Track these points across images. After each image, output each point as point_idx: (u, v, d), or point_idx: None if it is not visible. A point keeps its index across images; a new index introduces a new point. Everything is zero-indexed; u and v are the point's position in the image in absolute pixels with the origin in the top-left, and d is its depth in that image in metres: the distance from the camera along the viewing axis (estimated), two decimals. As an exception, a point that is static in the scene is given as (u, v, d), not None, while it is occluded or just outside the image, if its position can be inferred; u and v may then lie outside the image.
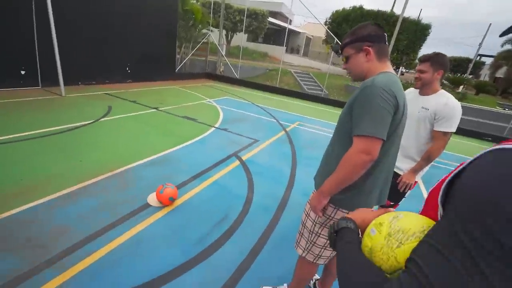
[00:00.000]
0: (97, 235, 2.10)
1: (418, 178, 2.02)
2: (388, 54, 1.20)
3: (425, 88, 1.92)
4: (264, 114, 6.98)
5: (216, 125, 5.39)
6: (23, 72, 5.72)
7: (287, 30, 11.95)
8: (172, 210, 2.55)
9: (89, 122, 4.48)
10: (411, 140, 1.97)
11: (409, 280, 0.40)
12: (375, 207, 1.35)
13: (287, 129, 5.90)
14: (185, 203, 2.70)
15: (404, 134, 1.78)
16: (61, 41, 5.64)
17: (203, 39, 11.57)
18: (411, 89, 2.12)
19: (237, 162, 3.80)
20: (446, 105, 1.82)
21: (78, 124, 4.32)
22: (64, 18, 6.02)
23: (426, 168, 1.98)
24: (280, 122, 6.44)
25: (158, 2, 8.61)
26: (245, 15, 13.57)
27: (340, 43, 1.28)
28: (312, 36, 31.27)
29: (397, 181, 1.96)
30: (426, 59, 1.85)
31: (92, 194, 2.61)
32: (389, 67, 1.19)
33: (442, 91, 1.91)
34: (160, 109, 5.99)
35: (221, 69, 12.44)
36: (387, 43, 1.19)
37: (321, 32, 24.55)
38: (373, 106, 1.04)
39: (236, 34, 18.74)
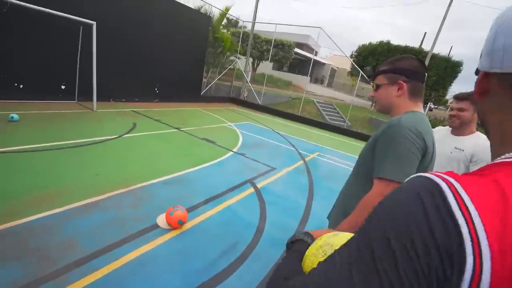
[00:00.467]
0: (103, 252, 2.06)
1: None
2: (422, 94, 1.11)
3: (462, 128, 1.78)
4: (284, 142, 6.93)
5: (235, 149, 5.40)
6: (63, 87, 6.22)
7: (312, 61, 12.21)
8: (180, 233, 2.48)
9: (113, 137, 4.67)
10: None
11: (300, 279, 0.43)
12: None
13: (306, 159, 5.77)
14: (195, 227, 2.62)
15: None
16: (99, 62, 6.13)
17: (230, 65, 12.10)
18: (441, 127, 2.00)
19: (252, 189, 3.70)
20: (487, 148, 1.67)
21: (102, 138, 4.51)
22: (104, 42, 6.59)
23: None
24: (299, 151, 6.34)
25: (191, 30, 9.25)
26: (272, 45, 14.14)
27: (374, 70, 1.21)
28: (337, 67, 31.77)
29: None
30: (466, 97, 1.72)
31: (104, 208, 2.62)
32: (419, 107, 1.10)
33: (478, 132, 1.77)
34: (181, 129, 6.15)
35: (245, 95, 12.80)
36: (424, 83, 1.10)
37: (346, 64, 24.90)
38: (399, 148, 0.96)
39: (262, 62, 19.49)
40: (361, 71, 10.90)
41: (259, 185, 3.88)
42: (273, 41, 13.81)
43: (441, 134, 1.88)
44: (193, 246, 2.34)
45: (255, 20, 11.66)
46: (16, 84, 5.41)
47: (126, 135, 4.90)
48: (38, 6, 4.96)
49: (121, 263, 2.00)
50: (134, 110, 7.07)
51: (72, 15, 5.49)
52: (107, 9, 6.66)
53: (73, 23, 5.74)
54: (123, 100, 7.74)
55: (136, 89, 8.09)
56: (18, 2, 4.75)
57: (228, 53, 11.74)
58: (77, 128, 4.76)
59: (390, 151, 0.97)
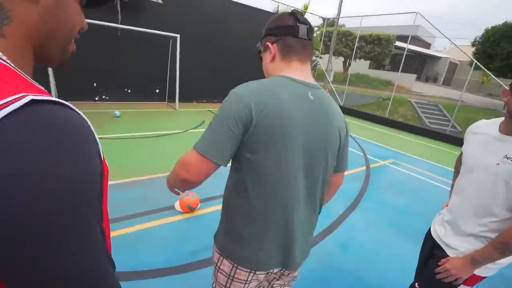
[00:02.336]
0: (122, 219, 2.46)
1: (483, 272, 1.21)
2: (298, 50, 0.85)
3: None
4: (352, 146, 6.21)
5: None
6: (157, 91, 7.68)
7: (417, 55, 10.38)
8: (188, 218, 2.65)
9: (179, 131, 5.41)
10: (474, 206, 1.19)
11: None
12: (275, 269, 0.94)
13: (372, 166, 4.98)
14: (206, 215, 2.74)
15: (460, 193, 1.28)
16: (183, 68, 7.23)
17: (311, 65, 11.78)
18: (483, 121, 1.34)
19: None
20: None
21: (170, 132, 5.30)
22: (188, 50, 7.70)
23: (502, 261, 1.16)
24: (368, 156, 5.53)
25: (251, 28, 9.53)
26: (357, 41, 12.86)
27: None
28: (459, 61, 25.66)
29: (439, 263, 1.26)
30: None
31: (140, 186, 3.09)
32: (293, 69, 0.85)
33: None
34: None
35: (326, 96, 12.17)
36: (300, 35, 0.83)
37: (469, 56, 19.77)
38: (216, 116, 0.79)
39: (355, 61, 17.98)
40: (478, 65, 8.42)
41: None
42: (357, 36, 12.52)
43: (484, 134, 1.22)
44: (193, 231, 2.46)
45: (339, 15, 10.91)
46: (125, 89, 7.08)
47: (191, 130, 5.58)
48: (141, 28, 6.34)
49: (130, 230, 2.35)
50: (210, 110, 7.93)
51: (164, 31, 6.71)
52: (189, 21, 7.77)
53: (164, 38, 7.00)
54: (204, 101, 8.80)
55: (215, 91, 9.03)
56: (128, 27, 6.22)
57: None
58: (157, 123, 5.78)
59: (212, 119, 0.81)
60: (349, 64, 18.18)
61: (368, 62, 20.75)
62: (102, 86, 6.87)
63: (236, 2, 8.69)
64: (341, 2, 10.58)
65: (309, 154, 0.83)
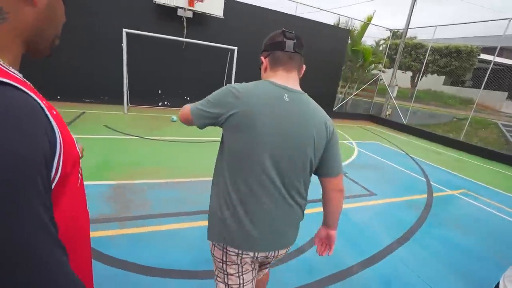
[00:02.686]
0: (158, 216, 2.60)
1: None
2: (284, 62, 1.01)
3: None
4: (412, 169, 5.48)
5: (336, 166, 4.91)
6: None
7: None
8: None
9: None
10: None
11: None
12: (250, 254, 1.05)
13: (436, 194, 4.28)
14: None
15: None
16: (238, 79, 7.53)
17: (372, 80, 11.02)
18: None
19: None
20: None
21: (219, 138, 5.49)
22: (245, 62, 8.04)
23: None
24: (432, 183, 4.79)
25: (326, 46, 9.33)
26: (428, 55, 11.51)
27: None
28: None
29: None
30: None
31: (180, 188, 3.24)
32: (276, 76, 1.02)
33: None
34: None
35: (387, 113, 11.15)
36: (287, 49, 1.00)
37: None
38: (211, 96, 1.00)
39: (426, 76, 16.16)
40: None
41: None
42: (429, 48, 11.22)
43: None
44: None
45: (408, 26, 10.01)
46: (185, 97, 7.69)
47: (238, 139, 5.70)
48: (203, 41, 6.87)
49: (164, 228, 2.46)
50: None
51: (224, 44, 7.15)
52: (248, 34, 8.11)
53: (223, 50, 7.44)
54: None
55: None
56: (191, 40, 6.83)
57: (372, 66, 10.77)
58: (208, 130, 6.07)
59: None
60: (418, 79, 16.44)
61: (442, 77, 18.45)
62: (165, 93, 7.63)
63: (298, 16, 8.80)
64: (411, 12, 9.72)
65: (276, 145, 0.94)
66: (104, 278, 1.84)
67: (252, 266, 1.09)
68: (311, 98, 1.04)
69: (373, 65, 11.27)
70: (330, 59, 9.58)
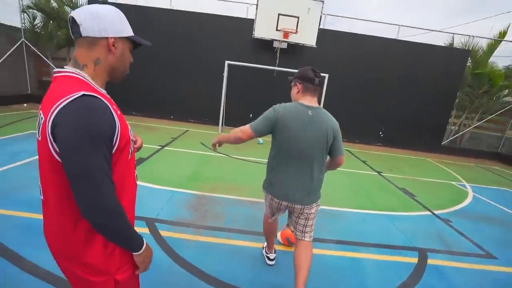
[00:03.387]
0: (228, 230, 2.75)
1: None
2: (312, 92, 1.77)
3: None
4: None
5: (437, 212, 4.02)
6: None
7: None
8: (285, 251, 2.56)
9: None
10: None
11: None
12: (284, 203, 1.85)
13: None
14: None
15: None
16: (328, 105, 7.38)
17: (502, 109, 8.68)
18: None
19: (413, 259, 2.69)
20: None
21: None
22: (337, 87, 7.82)
23: None
24: None
25: (436, 69, 8.08)
26: None
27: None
28: None
29: None
30: None
31: (255, 207, 3.35)
32: (305, 99, 1.77)
33: None
34: (382, 174, 5.62)
35: (528, 152, 8.43)
36: (314, 84, 1.75)
37: None
38: (264, 113, 1.77)
39: None
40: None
41: (433, 261, 2.71)
42: None
43: None
44: (283, 265, 2.35)
45: None
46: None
47: (319, 166, 5.49)
48: (295, 69, 7.19)
49: (230, 242, 2.58)
50: (349, 149, 7.51)
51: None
52: (340, 63, 7.93)
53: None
54: (344, 140, 8.47)
55: (359, 130, 8.51)
56: (281, 68, 7.27)
57: (503, 92, 8.59)
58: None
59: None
60: None
61: None
62: (256, 116, 8.23)
63: (400, 40, 8.12)
64: None
65: (302, 139, 1.70)
66: (172, 275, 2.05)
67: (279, 208, 1.91)
68: (326, 111, 1.77)
69: (506, 91, 8.95)
70: (440, 84, 8.22)
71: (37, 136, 0.82)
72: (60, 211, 0.84)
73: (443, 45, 8.44)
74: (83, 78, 0.83)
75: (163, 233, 2.59)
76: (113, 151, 0.82)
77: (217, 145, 1.91)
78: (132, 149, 0.96)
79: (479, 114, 8.94)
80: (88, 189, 0.76)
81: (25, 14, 8.16)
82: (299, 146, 1.67)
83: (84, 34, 0.82)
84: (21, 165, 3.71)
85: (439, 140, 8.79)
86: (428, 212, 3.95)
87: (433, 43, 8.14)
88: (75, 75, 0.82)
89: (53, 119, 0.74)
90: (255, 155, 5.72)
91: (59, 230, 0.86)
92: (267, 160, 1.90)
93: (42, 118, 0.79)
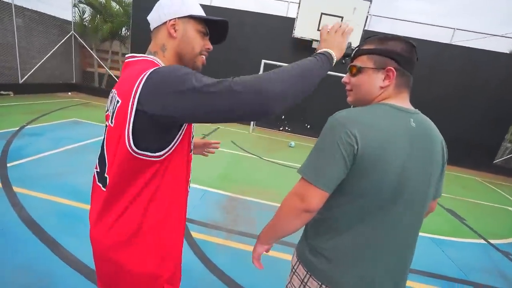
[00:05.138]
0: (243, 234, 2.59)
1: None
2: (409, 88, 0.86)
3: None
4: None
5: (493, 241, 3.53)
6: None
7: None
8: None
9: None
10: None
11: None
12: None
13: None
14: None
15: None
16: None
17: None
18: None
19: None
20: None
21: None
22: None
23: None
24: None
25: (496, 78, 7.26)
26: None
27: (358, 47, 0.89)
28: None
29: None
30: None
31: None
32: (399, 101, 0.83)
33: None
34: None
35: None
36: (412, 74, 0.84)
37: None
38: (320, 142, 0.79)
39: None
40: None
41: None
42: None
43: None
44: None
45: None
46: (305, 125, 7.82)
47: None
48: (333, 72, 6.86)
49: (247, 248, 2.40)
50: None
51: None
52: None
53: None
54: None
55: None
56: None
57: None
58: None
59: (315, 145, 0.82)
60: None
61: None
62: (288, 118, 8.02)
63: (454, 45, 7.45)
64: None
65: (410, 178, 0.77)
66: (203, 283, 1.93)
67: None
68: (428, 118, 0.89)
69: None
70: (498, 95, 7.39)
71: (110, 122, 0.76)
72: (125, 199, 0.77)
73: (507, 52, 7.58)
74: (158, 61, 0.78)
75: (194, 234, 2.49)
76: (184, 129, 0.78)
77: (265, 252, 1.02)
78: (192, 141, 0.90)
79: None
80: (234, 97, 0.64)
81: (76, 8, 8.69)
82: (404, 186, 0.77)
83: (151, 28, 0.83)
84: (64, 151, 3.86)
85: (491, 159, 7.92)
86: (482, 241, 3.48)
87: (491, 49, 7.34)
88: (150, 59, 0.77)
89: (140, 91, 0.66)
90: (286, 159, 5.51)
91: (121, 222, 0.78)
92: (320, 211, 0.84)
93: (118, 101, 0.72)
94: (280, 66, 7.12)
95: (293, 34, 7.07)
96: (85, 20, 9.00)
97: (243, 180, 4.03)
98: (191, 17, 0.80)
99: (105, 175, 0.78)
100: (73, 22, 8.74)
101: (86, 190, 2.86)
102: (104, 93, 8.77)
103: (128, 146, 0.69)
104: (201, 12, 0.82)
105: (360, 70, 0.85)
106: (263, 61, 7.05)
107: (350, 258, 0.80)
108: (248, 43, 7.89)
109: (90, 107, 7.28)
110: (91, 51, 9.08)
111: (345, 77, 0.91)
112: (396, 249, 0.81)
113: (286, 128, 8.10)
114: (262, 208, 3.26)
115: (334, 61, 0.82)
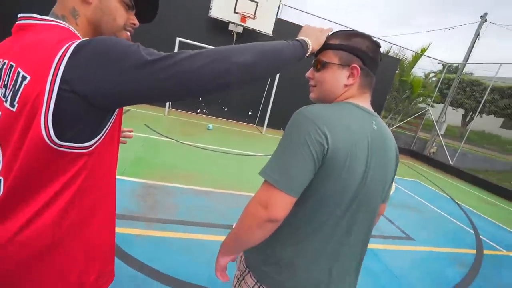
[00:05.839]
0: (184, 223, 2.57)
1: None
2: (371, 88, 0.85)
3: None
4: (458, 217, 4.89)
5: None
6: (249, 113, 8.24)
7: None
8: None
9: (260, 155, 5.51)
10: None
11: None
12: None
13: (486, 252, 3.74)
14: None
15: None
16: (277, 96, 7.54)
17: (417, 113, 10.35)
18: None
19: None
20: None
21: (251, 153, 5.47)
22: (286, 82, 8.03)
23: None
24: (482, 237, 4.21)
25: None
26: (487, 94, 10.52)
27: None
28: None
29: None
30: None
31: (211, 198, 3.21)
32: (361, 100, 0.82)
33: None
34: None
35: (432, 150, 10.32)
36: (375, 74, 0.84)
37: None
38: (285, 140, 0.71)
39: (481, 116, 14.82)
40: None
41: (372, 246, 3.05)
42: (489, 88, 10.28)
43: None
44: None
45: (466, 61, 9.33)
46: (223, 107, 7.90)
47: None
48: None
49: (185, 236, 2.41)
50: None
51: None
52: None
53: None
54: (291, 130, 8.89)
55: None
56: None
57: (420, 99, 10.16)
58: (242, 143, 6.11)
59: (279, 144, 0.72)
60: (471, 119, 15.13)
61: (500, 119, 16.80)
62: (205, 101, 7.89)
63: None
64: (472, 46, 9.09)
65: (370, 180, 0.76)
66: (122, 278, 1.81)
67: None
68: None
69: (421, 98, 10.62)
70: (374, 87, 9.25)
71: (5, 103, 0.56)
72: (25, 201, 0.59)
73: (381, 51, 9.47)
74: (73, 31, 0.63)
75: (107, 228, 2.26)
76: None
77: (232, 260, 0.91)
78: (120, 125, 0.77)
79: (401, 116, 10.45)
80: (191, 67, 0.57)
81: None
82: (362, 189, 0.77)
83: None
84: None
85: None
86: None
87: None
88: (61, 25, 0.62)
89: (64, 69, 0.53)
90: (205, 141, 5.49)
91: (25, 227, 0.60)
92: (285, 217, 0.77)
93: (24, 77, 0.54)
94: (196, 46, 6.79)
95: (209, 14, 6.85)
96: None
97: (160, 166, 3.82)
98: None
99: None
100: None
101: None
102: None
103: (46, 136, 0.54)
104: None
105: (324, 65, 0.81)
106: (178, 38, 6.61)
107: (307, 265, 0.77)
108: (162, 19, 7.18)
109: None
110: None
111: (309, 72, 0.87)
112: (349, 253, 0.81)
113: (204, 110, 7.98)
114: (185, 192, 3.21)
115: (309, 50, 0.77)
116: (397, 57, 9.57)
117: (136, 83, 0.55)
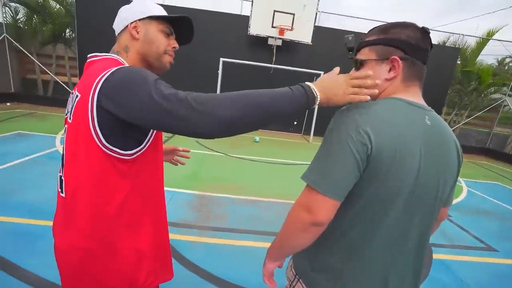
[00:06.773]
0: (233, 231, 2.68)
1: None
2: (421, 78, 0.76)
3: None
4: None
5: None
6: (295, 123, 8.21)
7: None
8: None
9: (308, 163, 5.42)
10: None
11: None
12: None
13: None
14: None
15: None
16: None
17: (490, 106, 8.94)
18: None
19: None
20: None
21: (299, 162, 5.42)
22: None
23: None
24: None
25: (431, 64, 8.15)
26: None
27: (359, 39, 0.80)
28: None
29: None
30: None
31: (259, 206, 3.28)
32: (410, 94, 0.74)
33: None
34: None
35: (515, 147, 8.73)
36: (426, 63, 0.75)
37: None
38: (326, 142, 0.69)
39: None
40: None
41: (441, 256, 2.72)
42: None
43: None
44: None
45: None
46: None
47: (317, 163, 5.49)
48: (289, 67, 7.15)
49: (235, 243, 2.51)
50: (343, 146, 7.57)
51: (311, 69, 7.29)
52: (335, 60, 7.90)
53: (309, 75, 7.52)
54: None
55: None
56: (277, 66, 7.22)
57: (491, 89, 8.82)
58: (289, 152, 6.11)
59: (320, 147, 0.71)
60: None
61: None
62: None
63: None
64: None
65: (426, 180, 0.70)
66: (182, 278, 1.97)
67: None
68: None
69: (493, 88, 9.21)
70: (431, 82, 8.36)
71: (68, 119, 0.76)
72: (91, 203, 0.74)
73: (436, 43, 8.59)
74: (122, 61, 0.79)
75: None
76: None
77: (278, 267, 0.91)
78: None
79: (468, 111, 9.17)
80: (182, 108, 0.63)
81: (6, 8, 7.77)
82: (417, 192, 0.70)
83: (116, 34, 0.85)
84: (8, 167, 3.51)
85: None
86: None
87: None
88: (114, 57, 0.80)
89: (100, 87, 0.67)
90: (252, 153, 5.65)
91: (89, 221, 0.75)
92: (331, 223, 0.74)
93: (77, 96, 0.73)
94: (239, 64, 7.08)
95: (248, 32, 7.20)
96: (19, 21, 8.08)
97: (211, 178, 4.06)
98: (151, 17, 0.82)
99: (62, 177, 0.76)
100: (5, 23, 7.80)
101: (39, 206, 2.69)
102: (51, 102, 8.00)
103: (96, 139, 0.68)
104: (161, 13, 0.84)
105: (361, 63, 0.77)
106: (221, 59, 7.08)
107: (358, 274, 0.73)
108: (206, 41, 7.84)
109: (36, 117, 6.62)
110: (31, 56, 8.21)
111: (351, 73, 0.82)
112: (407, 260, 0.75)
113: (250, 124, 8.27)
114: (234, 202, 3.35)
115: (317, 100, 0.70)
116: (457, 46, 8.54)
117: (136, 109, 0.65)
